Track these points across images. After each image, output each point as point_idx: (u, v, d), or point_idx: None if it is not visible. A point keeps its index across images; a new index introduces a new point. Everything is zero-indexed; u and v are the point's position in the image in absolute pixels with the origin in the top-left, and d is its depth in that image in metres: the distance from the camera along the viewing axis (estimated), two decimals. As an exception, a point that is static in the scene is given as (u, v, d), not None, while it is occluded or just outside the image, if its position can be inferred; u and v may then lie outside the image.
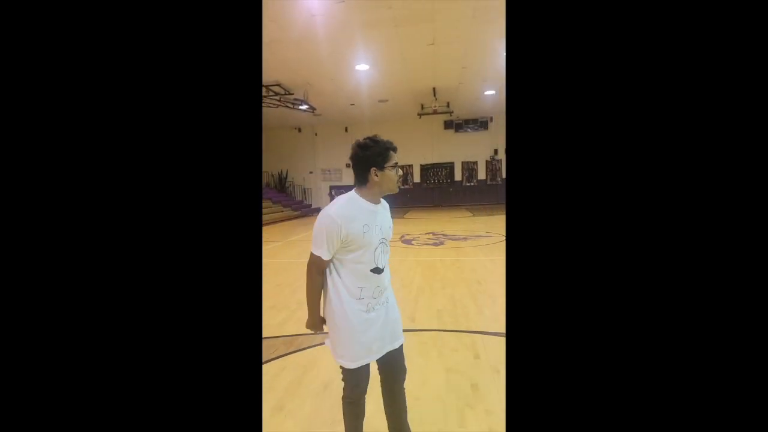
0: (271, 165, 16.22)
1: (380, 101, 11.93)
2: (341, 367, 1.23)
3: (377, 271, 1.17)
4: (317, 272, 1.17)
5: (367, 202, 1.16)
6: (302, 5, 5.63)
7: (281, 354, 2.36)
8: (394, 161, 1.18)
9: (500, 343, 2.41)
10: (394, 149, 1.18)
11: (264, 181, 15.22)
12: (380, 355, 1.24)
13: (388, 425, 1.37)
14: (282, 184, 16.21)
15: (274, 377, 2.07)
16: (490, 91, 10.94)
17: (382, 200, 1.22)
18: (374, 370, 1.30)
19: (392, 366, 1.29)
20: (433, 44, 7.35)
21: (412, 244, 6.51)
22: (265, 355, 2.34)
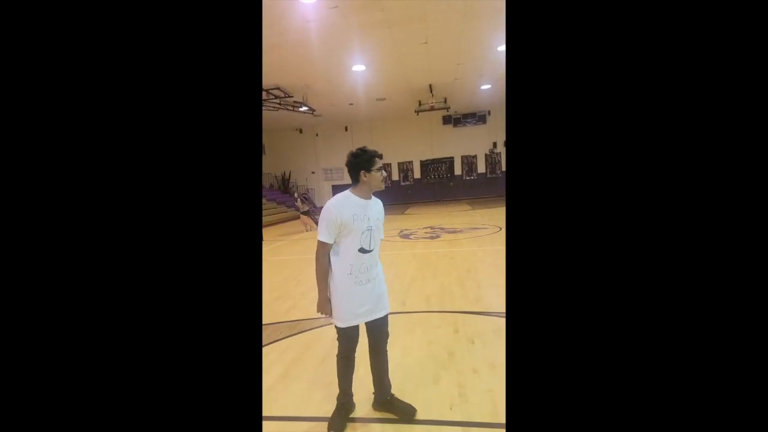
0: (274, 167, 16.56)
1: (378, 100, 12.18)
2: (336, 328, 1.55)
3: (363, 251, 1.49)
4: (323, 255, 1.49)
5: (358, 197, 1.49)
6: (297, 12, 5.91)
7: (287, 335, 2.68)
8: (380, 165, 1.51)
9: (478, 320, 2.71)
10: (380, 156, 1.53)
11: (267, 182, 15.55)
12: (367, 320, 1.55)
13: (373, 379, 1.67)
14: (285, 185, 16.53)
15: (281, 353, 2.39)
16: (486, 85, 11.13)
17: (373, 197, 1.55)
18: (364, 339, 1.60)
19: (377, 330, 1.60)
20: (426, 43, 7.59)
21: (410, 239, 6.80)
22: (273, 337, 2.67)
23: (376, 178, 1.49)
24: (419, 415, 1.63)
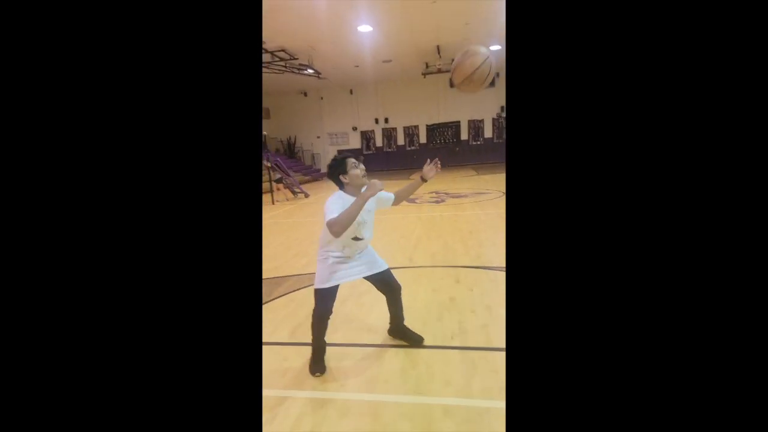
0: (279, 131, 16.47)
1: (384, 62, 11.91)
2: (315, 290, 1.74)
3: (356, 239, 1.72)
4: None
5: (349, 195, 1.68)
6: (303, -29, 5.76)
7: (305, 285, 3.03)
8: (353, 163, 1.69)
9: (478, 273, 3.03)
10: (352, 156, 1.73)
11: (274, 147, 15.58)
12: (343, 281, 1.75)
13: (390, 315, 2.00)
14: (291, 149, 16.57)
15: (300, 304, 2.74)
16: (496, 46, 10.79)
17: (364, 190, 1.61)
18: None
19: (386, 284, 1.89)
20: (434, 1, 7.37)
21: (415, 203, 7.04)
22: (294, 286, 3.01)
23: (354, 175, 1.68)
24: (426, 343, 1.97)
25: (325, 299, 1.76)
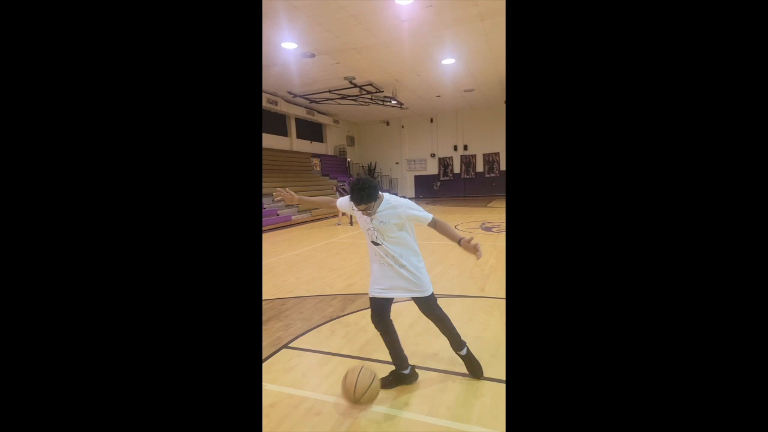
0: (362, 157, 17.67)
1: (466, 91, 12.06)
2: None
3: (375, 243, 1.78)
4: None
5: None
6: (392, 12, 6.31)
7: (377, 304, 3.17)
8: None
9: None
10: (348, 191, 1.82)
11: (355, 172, 16.68)
12: (388, 296, 1.78)
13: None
14: (371, 174, 17.52)
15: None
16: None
17: (384, 202, 1.71)
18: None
19: (422, 307, 1.86)
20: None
21: (492, 231, 6.81)
22: (364, 305, 3.17)
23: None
24: (494, 375, 1.92)
25: (371, 306, 1.82)
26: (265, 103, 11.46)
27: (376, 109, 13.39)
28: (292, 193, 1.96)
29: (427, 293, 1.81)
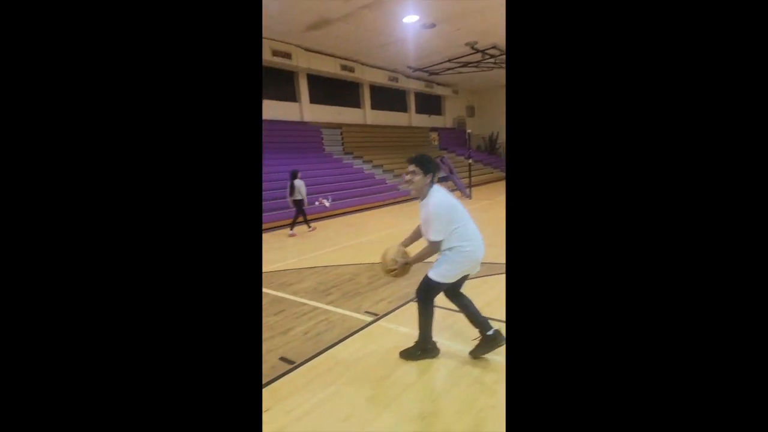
0: (482, 128, 16.75)
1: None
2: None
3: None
4: None
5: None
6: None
7: (496, 273, 3.16)
8: (411, 169, 1.83)
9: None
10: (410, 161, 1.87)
11: (475, 144, 15.98)
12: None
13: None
14: (492, 145, 16.51)
15: (491, 285, 2.90)
16: None
17: (429, 195, 1.81)
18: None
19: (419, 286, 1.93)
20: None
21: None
22: (483, 272, 3.21)
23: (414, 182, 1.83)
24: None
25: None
26: (386, 81, 11.94)
27: (499, 74, 12.39)
28: (394, 257, 1.93)
29: (428, 276, 1.86)
